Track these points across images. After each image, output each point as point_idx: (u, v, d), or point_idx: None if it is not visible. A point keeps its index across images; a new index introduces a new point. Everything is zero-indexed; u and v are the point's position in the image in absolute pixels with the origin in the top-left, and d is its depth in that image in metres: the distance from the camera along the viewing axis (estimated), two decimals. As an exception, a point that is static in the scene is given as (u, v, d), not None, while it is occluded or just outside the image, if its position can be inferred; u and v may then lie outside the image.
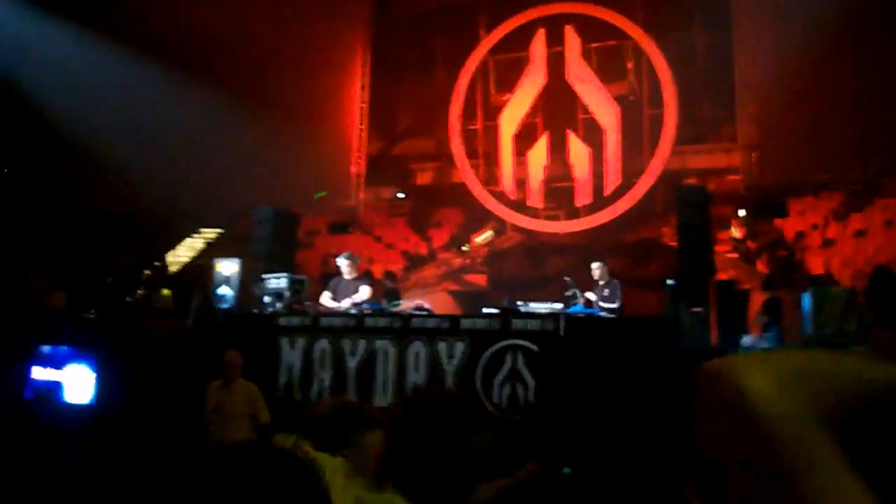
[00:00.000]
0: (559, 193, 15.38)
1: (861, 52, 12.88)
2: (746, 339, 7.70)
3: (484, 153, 16.17)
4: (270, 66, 16.08)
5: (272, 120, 15.26)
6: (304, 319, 7.64)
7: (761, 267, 13.48)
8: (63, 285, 10.34)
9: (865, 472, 0.50)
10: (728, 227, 14.42)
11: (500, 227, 15.94)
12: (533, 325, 6.83)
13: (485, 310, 7.46)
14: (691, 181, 13.91)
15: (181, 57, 15.21)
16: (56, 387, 6.93)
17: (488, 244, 15.85)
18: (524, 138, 15.66)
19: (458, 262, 15.79)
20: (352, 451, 1.73)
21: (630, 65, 15.41)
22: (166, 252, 16.56)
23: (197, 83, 14.99)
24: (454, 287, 15.29)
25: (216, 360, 6.16)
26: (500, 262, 15.39)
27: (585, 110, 15.36)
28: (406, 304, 8.75)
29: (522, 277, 14.16)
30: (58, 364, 7.16)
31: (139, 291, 12.73)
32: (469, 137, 16.26)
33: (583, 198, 15.03)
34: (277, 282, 8.02)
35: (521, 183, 15.60)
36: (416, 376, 7.00)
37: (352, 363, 7.25)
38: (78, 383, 6.95)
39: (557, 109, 15.46)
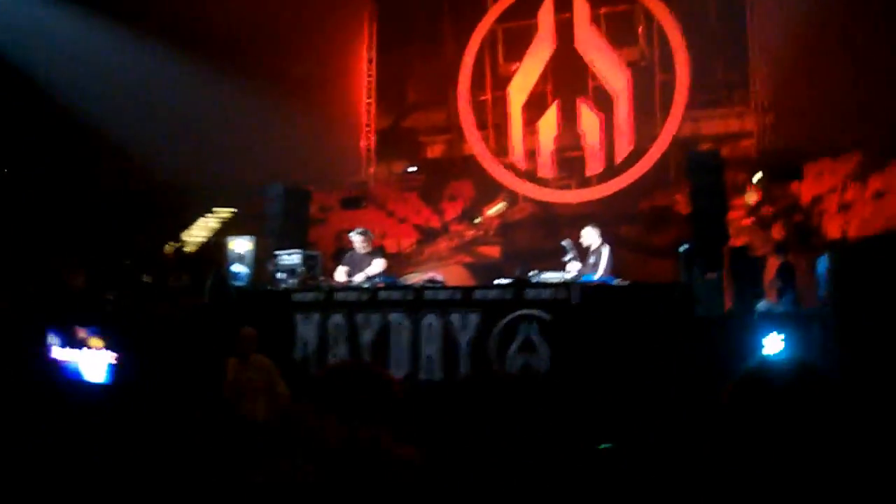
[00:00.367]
0: (570, 162, 15.26)
1: (876, 10, 12.58)
2: (762, 305, 7.66)
3: (494, 124, 16.05)
4: (277, 42, 15.99)
5: (281, 96, 15.21)
6: (317, 294, 7.69)
7: (777, 232, 13.35)
8: (82, 266, 10.48)
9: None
10: (743, 192, 14.28)
11: (513, 198, 15.88)
12: (546, 294, 6.83)
13: (497, 281, 7.46)
14: (705, 147, 13.76)
15: (190, 35, 15.15)
16: (74, 366, 7.05)
17: (500, 216, 15.81)
18: (534, 108, 15.51)
19: (470, 234, 15.78)
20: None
21: (641, 29, 15.16)
22: (181, 232, 16.68)
23: (206, 61, 14.95)
24: (468, 259, 15.30)
25: (232, 337, 6.23)
26: (512, 234, 15.35)
27: (595, 77, 15.17)
28: (419, 277, 8.78)
29: (535, 248, 14.11)
30: (77, 344, 7.27)
31: (156, 272, 12.85)
32: (479, 108, 16.13)
33: (594, 166, 14.92)
34: (290, 258, 8.07)
35: (531, 153, 15.49)
36: (430, 348, 7.04)
37: (366, 337, 7.30)
38: (96, 362, 7.06)
39: (567, 77, 15.27)
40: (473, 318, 6.93)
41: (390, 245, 15.05)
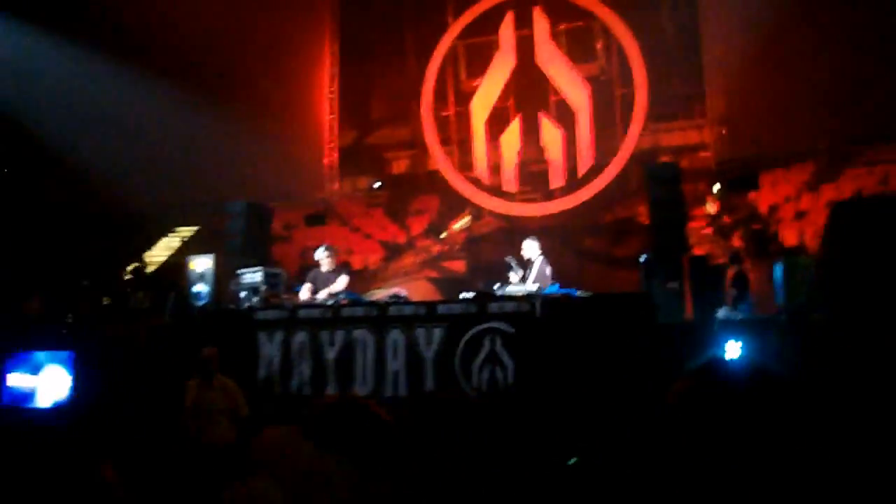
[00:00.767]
0: (534, 176, 15.42)
1: (825, 22, 12.99)
2: (721, 312, 7.80)
3: (458, 140, 16.16)
4: (239, 60, 15.92)
5: (243, 114, 15.12)
6: (281, 312, 7.61)
7: (736, 241, 13.62)
8: (39, 288, 10.23)
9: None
10: (703, 202, 14.56)
11: (478, 212, 15.97)
12: (509, 307, 6.86)
13: (461, 295, 7.48)
14: (665, 159, 14.02)
15: (150, 53, 15.02)
16: (31, 393, 6.87)
17: (466, 230, 15.87)
18: (497, 123, 15.66)
19: (436, 249, 15.80)
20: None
21: (599, 45, 15.45)
22: (142, 252, 16.40)
23: (166, 79, 14.81)
24: (434, 274, 15.31)
25: (194, 358, 6.13)
26: (478, 248, 15.41)
27: (556, 92, 15.39)
28: (384, 293, 8.75)
29: (501, 262, 14.18)
30: (34, 369, 7.09)
31: (116, 293, 12.60)
32: (442, 124, 16.23)
33: (557, 180, 15.09)
34: (253, 276, 7.97)
35: (495, 168, 15.61)
36: (395, 364, 7.01)
37: (331, 354, 7.24)
38: (54, 387, 6.89)
39: (529, 92, 15.47)
40: (438, 333, 6.92)
41: (356, 261, 15.01)
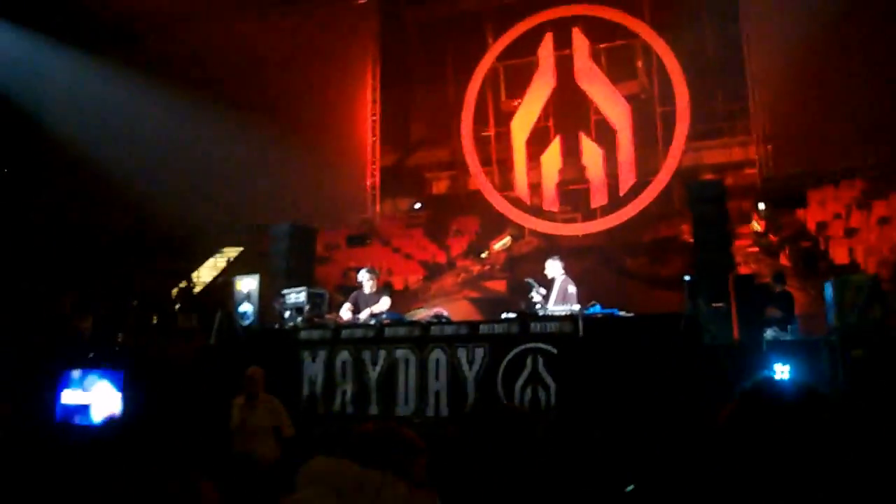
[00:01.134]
0: (574, 196, 15.37)
1: (871, 37, 12.73)
2: (769, 333, 7.62)
3: (498, 160, 16.21)
4: (283, 85, 16.30)
5: (288, 137, 15.46)
6: (324, 332, 7.69)
7: (784, 259, 13.32)
8: (90, 309, 10.53)
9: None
10: (749, 220, 14.30)
11: (518, 232, 15.96)
12: (551, 327, 6.81)
13: (503, 315, 7.45)
14: (708, 176, 13.84)
15: (197, 79, 15.48)
16: (84, 409, 7.07)
17: (507, 250, 15.86)
18: (537, 142, 15.68)
19: (477, 269, 15.82)
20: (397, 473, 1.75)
21: (640, 63, 15.40)
22: (189, 273, 16.77)
23: (215, 106, 15.23)
24: (474, 294, 15.30)
25: (240, 376, 6.23)
26: (518, 268, 15.35)
27: (597, 111, 15.35)
28: (425, 313, 8.78)
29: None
30: (86, 387, 7.30)
31: (164, 312, 12.90)
32: (482, 145, 16.32)
33: (598, 199, 15.00)
34: (297, 296, 8.09)
35: (535, 187, 15.61)
36: (437, 384, 7.01)
37: (373, 373, 7.28)
38: (105, 404, 7.08)
39: (569, 112, 15.47)
40: (480, 353, 6.91)
41: (397, 282, 15.09)
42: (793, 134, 13.61)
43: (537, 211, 15.49)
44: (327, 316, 8.23)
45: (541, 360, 6.70)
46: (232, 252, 17.50)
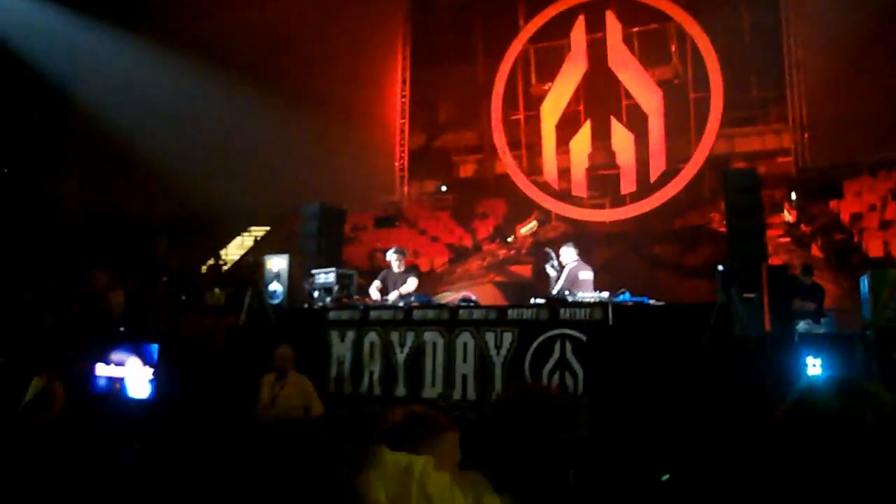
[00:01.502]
0: (604, 181, 15.23)
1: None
2: (802, 325, 7.52)
3: (527, 143, 16.11)
4: (313, 65, 16.29)
5: (317, 117, 15.47)
6: (353, 313, 7.72)
7: (816, 251, 13.10)
8: (121, 285, 10.69)
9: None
10: (780, 210, 14.07)
11: (545, 216, 15.87)
12: (581, 314, 6.76)
13: (532, 300, 7.43)
14: (740, 164, 13.64)
15: (228, 59, 15.53)
16: (119, 382, 7.20)
17: (533, 234, 15.79)
18: (567, 127, 15.54)
19: (503, 253, 15.78)
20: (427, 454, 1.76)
21: (673, 47, 15.15)
22: (218, 251, 16.95)
23: (243, 84, 15.29)
24: (500, 278, 15.29)
25: (269, 355, 6.30)
26: (545, 253, 15.29)
27: (628, 96, 15.15)
28: (453, 296, 8.78)
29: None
30: (119, 361, 7.43)
31: (194, 289, 13.06)
32: (511, 128, 16.21)
33: (628, 185, 14.86)
34: (326, 276, 8.11)
35: (564, 172, 15.49)
36: (465, 367, 7.02)
37: (401, 355, 7.31)
38: (138, 379, 7.20)
39: (600, 96, 15.30)
40: (508, 338, 6.89)
41: (423, 264, 15.12)
42: (830, 123, 13.34)
43: (565, 196, 15.39)
44: (356, 297, 8.27)
45: (569, 347, 6.67)
46: (259, 231, 17.64)
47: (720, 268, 7.31)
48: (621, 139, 14.98)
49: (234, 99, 15.35)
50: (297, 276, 8.65)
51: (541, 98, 15.91)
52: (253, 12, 16.00)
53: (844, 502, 1.24)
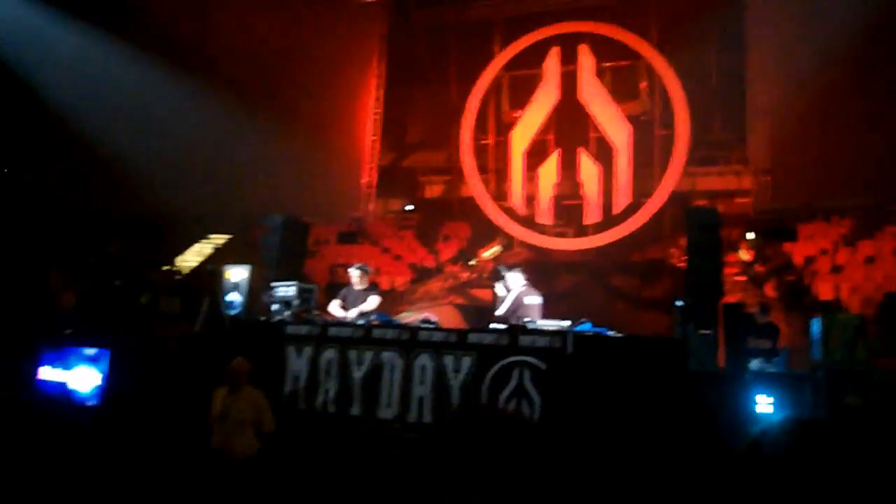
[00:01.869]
0: (568, 211, 15.41)
1: (872, 78, 12.90)
2: (755, 363, 7.66)
3: (495, 168, 16.24)
4: (286, 76, 16.21)
5: (286, 129, 15.35)
6: (311, 328, 7.62)
7: (769, 290, 13.43)
8: (73, 286, 10.38)
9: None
10: (736, 249, 14.41)
11: (508, 242, 15.97)
12: (541, 342, 6.78)
13: (492, 325, 7.43)
14: (701, 202, 13.94)
15: (198, 64, 15.35)
16: (62, 387, 6.96)
17: (495, 259, 15.86)
18: (535, 155, 15.72)
19: (465, 275, 15.80)
20: None
21: (643, 85, 15.49)
22: (174, 256, 16.61)
23: (212, 90, 15.11)
24: (460, 300, 15.29)
25: (223, 366, 6.15)
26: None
27: (597, 129, 15.42)
28: (414, 317, 8.74)
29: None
30: (65, 364, 7.19)
31: (149, 295, 12.75)
32: (480, 152, 16.33)
33: (592, 216, 15.06)
34: (286, 290, 8.01)
35: (530, 199, 15.64)
36: (422, 389, 6.97)
37: (358, 374, 7.22)
38: (84, 384, 6.97)
39: (569, 127, 15.54)
40: (467, 362, 6.87)
41: (384, 282, 15.05)
42: (789, 167, 13.76)
43: (529, 223, 15.52)
44: (315, 312, 8.17)
45: (527, 374, 6.68)
46: (219, 239, 17.36)
47: (678, 303, 7.43)
48: (588, 170, 15.21)
49: (204, 106, 15.15)
50: (257, 288, 8.53)
51: (511, 124, 16.09)
52: (230, 24, 15.90)
53: None
